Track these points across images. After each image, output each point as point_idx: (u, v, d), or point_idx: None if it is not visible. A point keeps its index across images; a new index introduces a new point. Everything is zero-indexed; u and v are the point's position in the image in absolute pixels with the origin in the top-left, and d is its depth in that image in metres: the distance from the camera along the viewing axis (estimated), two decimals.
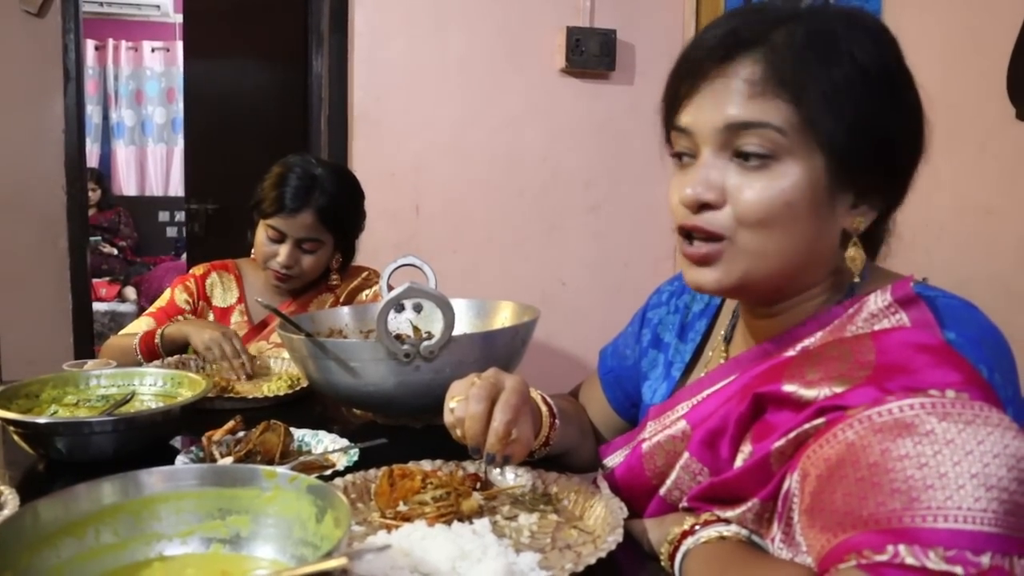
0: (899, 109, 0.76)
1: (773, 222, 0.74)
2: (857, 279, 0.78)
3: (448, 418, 0.89)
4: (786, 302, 0.81)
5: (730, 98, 0.74)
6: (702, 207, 0.76)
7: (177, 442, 1.17)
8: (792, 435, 0.67)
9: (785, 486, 0.67)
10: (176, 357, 1.62)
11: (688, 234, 0.78)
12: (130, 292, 5.32)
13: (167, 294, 1.88)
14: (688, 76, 0.78)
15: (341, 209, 1.81)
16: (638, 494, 0.88)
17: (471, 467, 0.96)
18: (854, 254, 0.77)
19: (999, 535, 0.54)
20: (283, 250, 1.77)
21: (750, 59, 0.74)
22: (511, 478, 0.95)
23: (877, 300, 0.74)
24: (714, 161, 0.76)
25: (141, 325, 1.80)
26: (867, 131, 0.74)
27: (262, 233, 1.79)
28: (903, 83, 0.77)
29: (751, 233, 0.74)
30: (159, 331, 1.68)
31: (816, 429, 0.66)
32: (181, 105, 6.60)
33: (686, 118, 0.78)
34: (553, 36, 2.71)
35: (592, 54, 2.69)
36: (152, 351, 1.67)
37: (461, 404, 0.87)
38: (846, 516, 0.59)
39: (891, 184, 0.78)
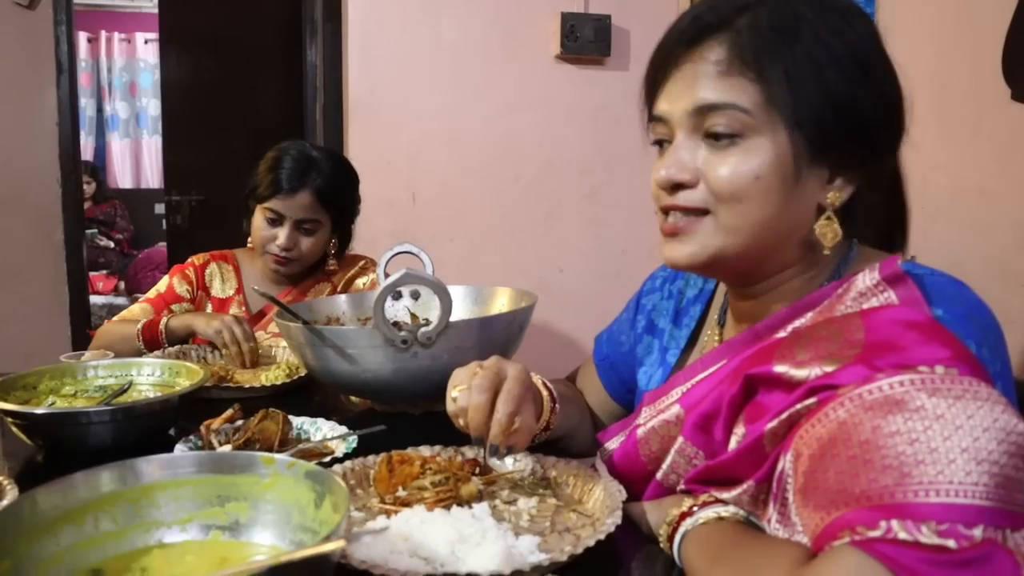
0: (868, 87, 0.77)
1: (745, 196, 0.76)
2: (827, 251, 0.79)
3: (451, 407, 0.88)
4: (764, 281, 0.83)
5: (698, 81, 0.77)
6: (676, 187, 0.79)
7: (175, 431, 1.18)
8: (784, 415, 0.68)
9: (779, 467, 0.68)
10: (176, 348, 1.61)
11: (667, 212, 0.82)
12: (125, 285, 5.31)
13: (165, 281, 1.87)
14: (662, 64, 0.82)
15: (338, 190, 1.82)
16: (635, 479, 0.88)
17: (470, 452, 0.97)
18: (824, 228, 0.78)
19: (991, 508, 0.54)
20: (282, 233, 1.77)
21: (715, 42, 0.77)
22: (510, 463, 0.95)
23: (865, 279, 0.75)
24: (686, 143, 0.79)
25: (136, 311, 1.79)
26: (833, 107, 0.75)
27: (260, 218, 1.79)
28: (874, 62, 0.78)
29: (727, 208, 0.77)
30: (163, 321, 1.67)
31: (808, 409, 0.66)
32: None
33: (661, 105, 0.81)
34: (547, 22, 2.70)
35: (587, 40, 2.68)
36: (155, 340, 1.65)
37: (463, 393, 0.86)
38: (839, 494, 0.59)
39: (866, 160, 0.79)
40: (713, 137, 0.77)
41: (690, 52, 0.78)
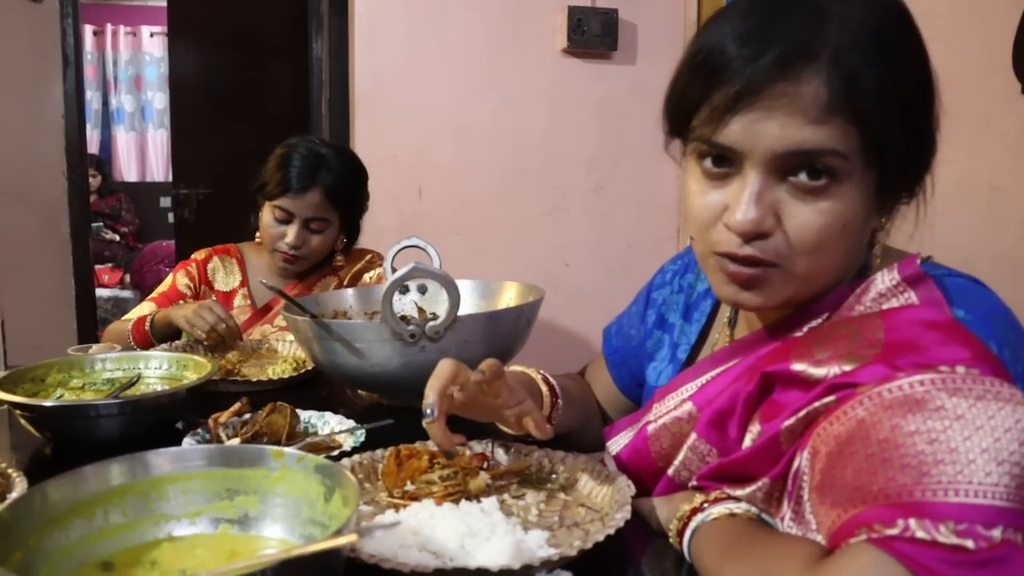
0: (934, 108, 0.73)
1: (829, 246, 0.71)
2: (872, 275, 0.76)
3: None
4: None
5: (791, 120, 0.67)
6: (754, 236, 0.71)
7: (183, 425, 1.17)
8: (802, 413, 0.67)
9: (795, 465, 0.67)
10: (183, 341, 1.62)
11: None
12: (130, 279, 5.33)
13: (168, 279, 1.87)
14: (725, 84, 0.69)
15: (347, 187, 1.81)
16: (645, 475, 0.88)
17: (478, 446, 0.97)
18: (879, 252, 0.78)
19: (1011, 509, 0.54)
20: (291, 231, 1.76)
21: (814, 78, 0.67)
22: (505, 459, 0.95)
23: (884, 279, 0.74)
24: (766, 182, 0.70)
25: (143, 310, 1.80)
26: (916, 140, 0.72)
27: (268, 215, 1.78)
28: (931, 71, 0.73)
29: (806, 259, 0.71)
30: (148, 318, 1.68)
31: (826, 407, 0.65)
32: None
33: (731, 136, 0.70)
34: (554, 16, 2.69)
35: (594, 34, 2.67)
36: (144, 338, 1.67)
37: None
38: (856, 491, 0.59)
39: (916, 180, 0.76)
40: (799, 176, 0.69)
41: (777, 84, 0.67)
